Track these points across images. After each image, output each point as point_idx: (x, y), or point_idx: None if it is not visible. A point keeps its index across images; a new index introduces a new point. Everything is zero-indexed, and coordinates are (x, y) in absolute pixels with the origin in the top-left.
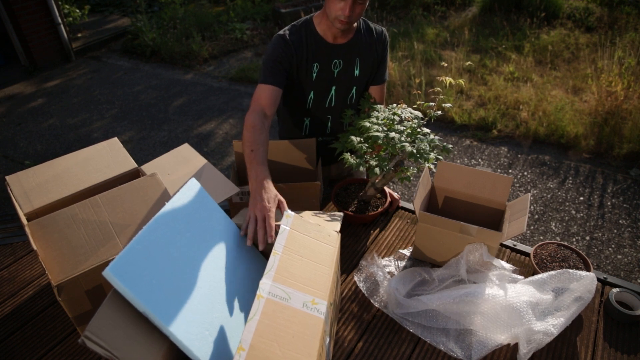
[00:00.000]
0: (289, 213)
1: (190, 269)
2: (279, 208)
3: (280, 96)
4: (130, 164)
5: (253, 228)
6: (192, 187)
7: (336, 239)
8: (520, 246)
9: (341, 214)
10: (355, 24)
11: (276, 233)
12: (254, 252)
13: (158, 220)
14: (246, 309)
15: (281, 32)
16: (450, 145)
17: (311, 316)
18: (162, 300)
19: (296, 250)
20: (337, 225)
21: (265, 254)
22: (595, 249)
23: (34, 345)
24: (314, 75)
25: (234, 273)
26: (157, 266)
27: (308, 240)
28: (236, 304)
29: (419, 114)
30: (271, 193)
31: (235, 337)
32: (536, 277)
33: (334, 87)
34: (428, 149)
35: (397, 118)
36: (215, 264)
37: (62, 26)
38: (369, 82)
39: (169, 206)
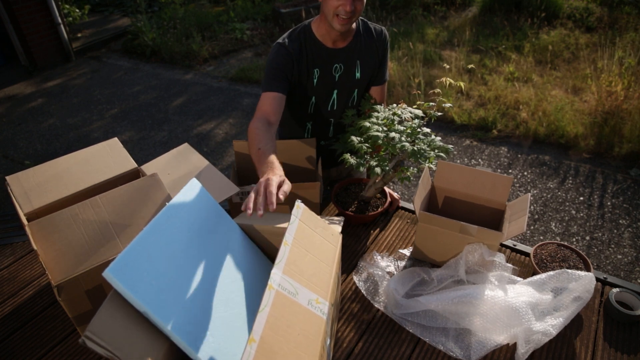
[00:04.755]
0: (299, 204)
1: (191, 269)
2: (281, 188)
3: (284, 102)
4: (130, 164)
5: (253, 197)
6: (193, 187)
7: (338, 239)
8: (520, 246)
9: (341, 218)
10: (354, 25)
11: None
12: (256, 252)
13: (158, 220)
14: (248, 308)
15: (280, 40)
16: (451, 146)
17: (315, 315)
18: (162, 301)
19: (304, 244)
20: (338, 228)
21: (269, 256)
22: (595, 249)
23: (34, 345)
24: (315, 80)
25: (235, 273)
26: (158, 267)
27: (315, 236)
28: (237, 303)
29: (419, 112)
30: (279, 172)
31: (237, 337)
32: (535, 277)
33: (335, 91)
34: (428, 149)
35: (397, 118)
36: (216, 264)
37: (62, 26)
38: (370, 83)
39: (169, 206)
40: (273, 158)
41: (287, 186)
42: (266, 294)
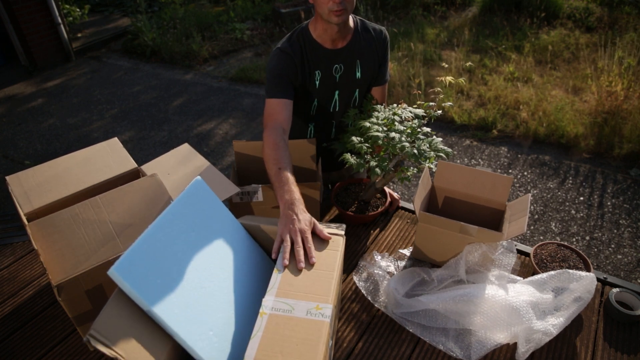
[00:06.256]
0: None
1: (195, 269)
2: (313, 231)
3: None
4: (130, 164)
5: (289, 250)
6: (198, 186)
7: (340, 242)
8: (520, 246)
9: (341, 225)
10: (352, 24)
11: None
12: (260, 252)
13: (163, 219)
14: (252, 309)
15: (280, 45)
16: (450, 150)
17: (315, 321)
18: (166, 300)
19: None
20: (339, 236)
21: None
22: (595, 249)
23: (34, 345)
24: (317, 83)
25: (239, 272)
26: (162, 265)
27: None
28: (241, 303)
29: (420, 111)
30: (306, 215)
31: (240, 337)
32: (536, 277)
33: (337, 92)
34: (428, 149)
35: (397, 118)
36: (220, 264)
37: (62, 26)
38: (371, 84)
39: (174, 205)
40: (293, 183)
41: (317, 227)
42: (258, 321)
